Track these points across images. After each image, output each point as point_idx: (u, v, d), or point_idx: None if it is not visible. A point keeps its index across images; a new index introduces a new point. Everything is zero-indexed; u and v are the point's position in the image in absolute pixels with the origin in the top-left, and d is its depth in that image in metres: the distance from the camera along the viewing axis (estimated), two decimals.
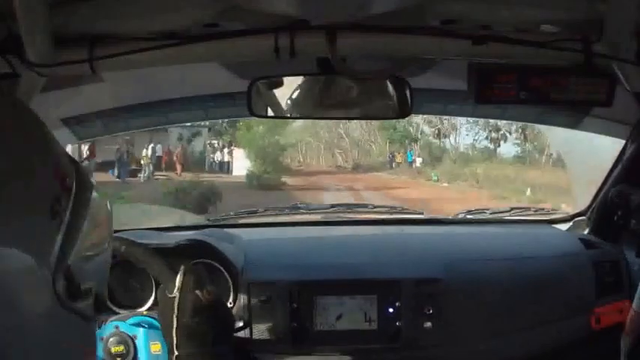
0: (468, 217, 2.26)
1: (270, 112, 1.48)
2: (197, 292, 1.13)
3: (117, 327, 1.21)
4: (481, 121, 19.78)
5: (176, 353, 1.10)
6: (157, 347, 1.20)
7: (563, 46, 1.22)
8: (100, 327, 1.23)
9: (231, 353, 1.18)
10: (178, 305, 1.11)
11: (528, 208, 2.38)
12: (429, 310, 1.64)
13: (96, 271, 0.70)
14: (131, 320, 1.25)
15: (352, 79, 1.40)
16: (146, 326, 1.22)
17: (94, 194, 0.67)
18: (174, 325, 1.10)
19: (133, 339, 1.20)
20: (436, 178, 20.84)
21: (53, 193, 0.61)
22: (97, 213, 0.67)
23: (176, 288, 1.12)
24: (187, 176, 17.39)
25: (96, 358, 0.80)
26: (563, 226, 2.04)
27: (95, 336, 0.80)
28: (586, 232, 1.93)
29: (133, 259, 1.22)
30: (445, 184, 19.43)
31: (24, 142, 0.60)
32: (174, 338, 1.10)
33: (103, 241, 0.71)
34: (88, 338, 0.74)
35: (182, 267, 1.15)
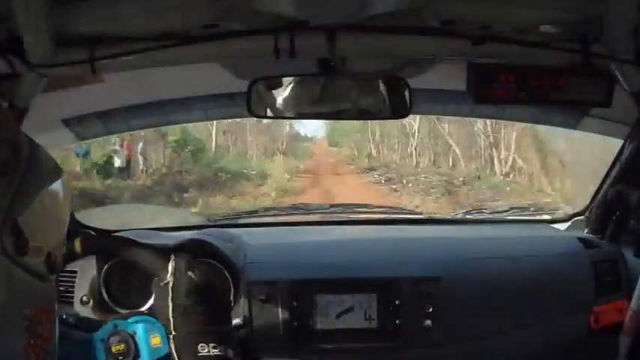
0: (468, 216, 2.26)
1: (269, 113, 1.48)
2: (189, 273, 1.14)
3: (115, 326, 1.21)
4: None
5: (174, 333, 1.11)
6: (156, 340, 1.20)
7: (562, 47, 1.23)
8: (99, 329, 1.23)
9: (230, 333, 1.19)
10: (172, 288, 1.12)
11: (527, 208, 2.39)
12: (428, 309, 1.64)
13: (49, 233, 0.76)
14: (131, 319, 1.25)
15: (352, 79, 1.40)
16: (145, 321, 1.22)
17: (52, 169, 0.79)
18: (170, 307, 1.11)
19: (132, 336, 1.19)
20: None
21: (3, 155, 0.71)
22: (53, 184, 0.78)
23: (169, 274, 1.14)
24: None
25: (53, 320, 0.81)
26: (562, 226, 2.05)
27: (53, 298, 0.81)
28: (585, 231, 1.93)
29: (126, 255, 1.22)
30: None
31: None
32: (171, 320, 1.11)
33: (58, 209, 0.80)
34: (43, 298, 0.77)
35: (171, 255, 1.17)
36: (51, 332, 0.78)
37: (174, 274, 1.14)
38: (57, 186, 0.80)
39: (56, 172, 0.81)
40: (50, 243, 0.77)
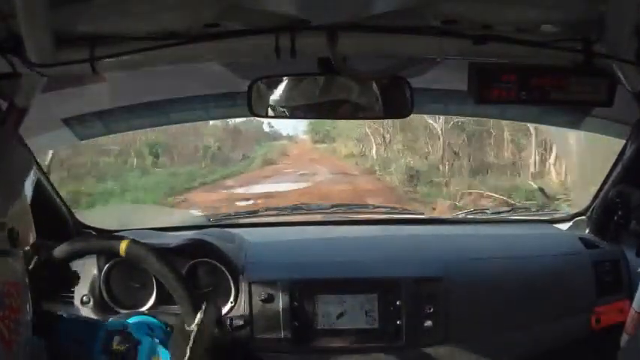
0: (469, 216, 2.26)
1: (270, 112, 1.48)
2: (216, 330, 1.13)
3: (125, 326, 1.21)
4: None
5: None
6: None
7: (564, 46, 1.23)
8: (107, 320, 1.23)
9: None
10: (195, 338, 1.11)
11: (529, 208, 2.39)
12: (429, 309, 1.64)
13: (9, 210, 0.78)
14: (132, 319, 1.24)
15: (353, 79, 1.40)
16: (155, 338, 1.20)
17: (17, 154, 0.84)
18: (187, 356, 1.10)
19: (136, 344, 1.19)
20: None
21: None
22: (15, 166, 0.81)
23: (195, 323, 1.12)
24: None
25: (24, 292, 0.82)
26: (564, 226, 2.04)
27: (22, 273, 0.82)
28: (586, 231, 1.93)
29: (162, 280, 1.20)
30: None
31: None
32: None
33: (19, 189, 0.82)
34: (10, 272, 0.78)
35: (204, 303, 1.15)
36: (21, 304, 0.79)
37: (200, 324, 1.12)
38: (21, 170, 0.82)
39: (24, 159, 0.83)
40: (12, 219, 0.78)
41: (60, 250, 1.20)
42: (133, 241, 1.19)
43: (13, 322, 0.76)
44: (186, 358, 1.10)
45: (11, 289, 0.77)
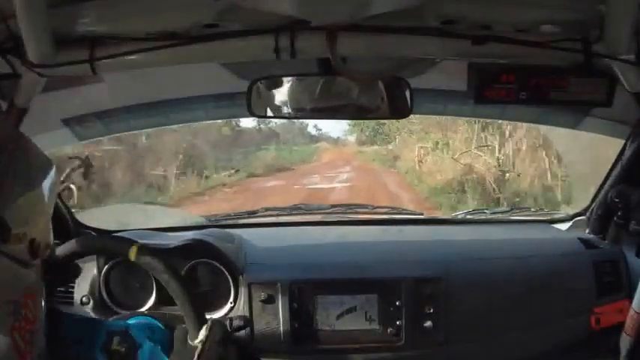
0: (468, 217, 2.26)
1: (269, 112, 1.48)
2: (221, 349, 1.09)
3: (127, 328, 1.19)
4: None
5: None
6: None
7: (563, 46, 1.23)
8: (109, 320, 1.22)
9: None
10: (199, 356, 1.07)
11: (528, 208, 2.39)
12: (429, 310, 1.64)
13: (32, 220, 0.76)
14: (132, 320, 1.24)
15: (352, 79, 1.40)
16: (155, 342, 1.18)
17: (40, 161, 0.79)
18: None
19: (137, 346, 1.17)
20: None
21: None
22: (39, 175, 0.78)
23: (199, 340, 1.08)
24: None
25: (39, 303, 0.81)
26: (563, 226, 2.04)
27: (39, 283, 0.81)
28: (586, 232, 1.93)
29: (169, 290, 1.17)
30: None
31: None
32: None
33: (43, 198, 0.79)
34: (27, 283, 0.77)
35: (210, 320, 1.11)
36: (37, 315, 0.79)
37: (204, 341, 1.08)
38: (43, 177, 0.80)
39: (44, 164, 0.81)
40: (34, 229, 0.77)
41: (64, 248, 1.17)
42: (143, 248, 1.16)
43: (28, 332, 0.75)
44: None
45: (28, 300, 0.76)
